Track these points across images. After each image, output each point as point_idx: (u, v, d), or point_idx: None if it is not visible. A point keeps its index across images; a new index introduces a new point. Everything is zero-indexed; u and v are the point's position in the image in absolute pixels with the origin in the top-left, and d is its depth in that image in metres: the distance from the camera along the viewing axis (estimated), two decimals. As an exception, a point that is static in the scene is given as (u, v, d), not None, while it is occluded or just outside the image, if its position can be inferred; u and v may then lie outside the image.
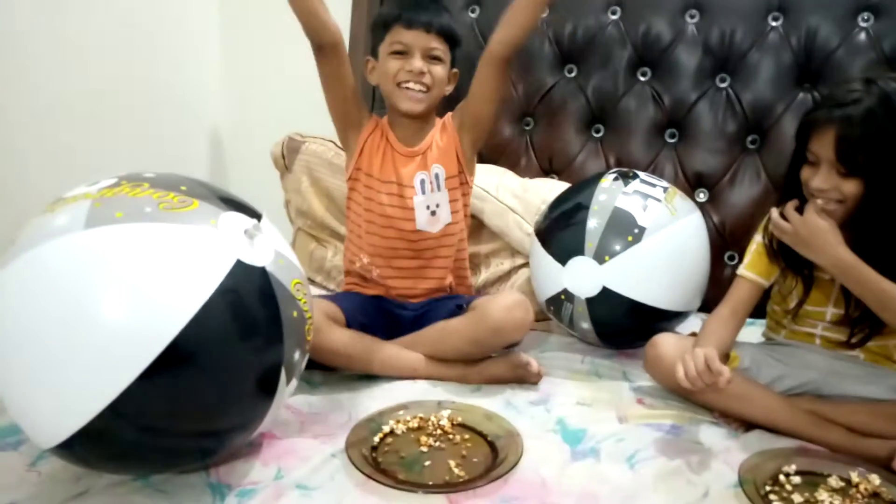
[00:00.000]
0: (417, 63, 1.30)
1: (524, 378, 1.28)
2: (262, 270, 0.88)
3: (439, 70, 1.33)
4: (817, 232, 1.07)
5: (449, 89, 1.38)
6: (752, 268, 1.21)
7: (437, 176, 1.37)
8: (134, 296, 0.80)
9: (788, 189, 1.14)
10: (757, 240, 1.22)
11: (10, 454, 0.98)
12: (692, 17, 1.68)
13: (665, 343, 1.20)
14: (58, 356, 0.80)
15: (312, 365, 1.13)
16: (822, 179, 1.07)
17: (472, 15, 1.79)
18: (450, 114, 1.40)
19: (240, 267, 0.86)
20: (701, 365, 1.02)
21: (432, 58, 1.32)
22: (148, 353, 0.79)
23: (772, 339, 1.28)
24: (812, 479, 1.00)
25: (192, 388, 0.83)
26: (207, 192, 0.92)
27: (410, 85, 1.31)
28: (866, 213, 1.07)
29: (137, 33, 1.74)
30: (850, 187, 1.06)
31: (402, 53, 1.31)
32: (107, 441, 0.84)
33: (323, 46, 1.27)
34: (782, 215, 1.10)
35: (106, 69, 1.65)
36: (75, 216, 0.84)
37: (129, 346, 0.79)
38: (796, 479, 0.99)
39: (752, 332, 1.33)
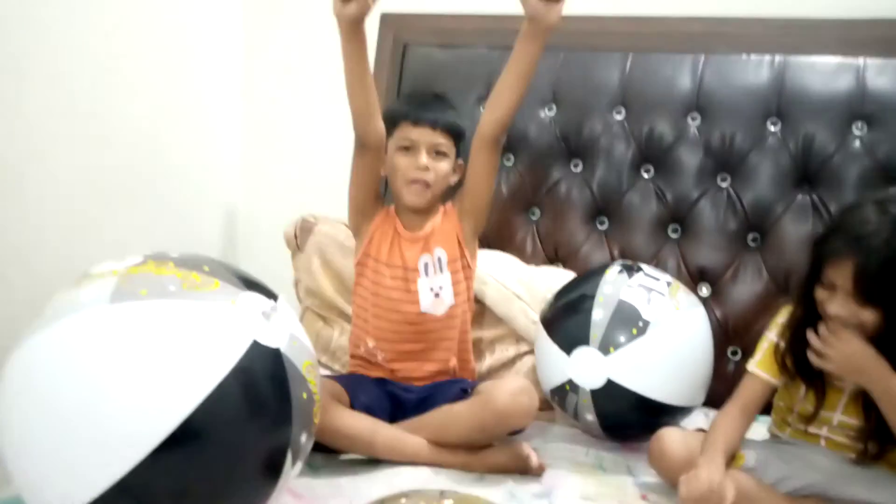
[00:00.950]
0: (423, 160, 1.38)
1: (526, 470, 1.27)
2: (277, 352, 0.90)
3: (443, 166, 1.40)
4: (869, 360, 1.06)
5: (454, 180, 1.45)
6: (763, 366, 1.20)
7: (439, 259, 1.42)
8: (152, 372, 0.82)
9: (804, 306, 1.14)
10: (769, 338, 1.21)
11: (8, 529, 0.97)
12: (693, 119, 1.75)
13: (670, 438, 1.20)
14: (71, 430, 0.81)
15: (314, 447, 1.13)
16: (839, 306, 1.07)
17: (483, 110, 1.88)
18: (451, 202, 1.47)
19: (256, 348, 0.88)
20: (703, 488, 1.03)
21: (437, 153, 1.39)
22: (161, 430, 0.80)
23: (777, 436, 1.27)
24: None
25: (201, 467, 0.84)
26: (228, 272, 0.95)
27: (416, 181, 1.39)
28: (885, 341, 1.07)
29: (155, 111, 1.81)
30: (868, 315, 1.06)
31: (409, 149, 1.38)
32: (110, 519, 0.83)
33: (367, 145, 1.36)
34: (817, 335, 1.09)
35: (123, 147, 1.70)
36: (101, 291, 0.87)
37: (143, 422, 0.80)
38: (804, 585, 0.97)
39: (758, 427, 1.32)
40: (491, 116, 1.37)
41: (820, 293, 1.10)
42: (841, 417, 1.16)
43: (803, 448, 1.20)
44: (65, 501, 0.82)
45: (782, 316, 1.22)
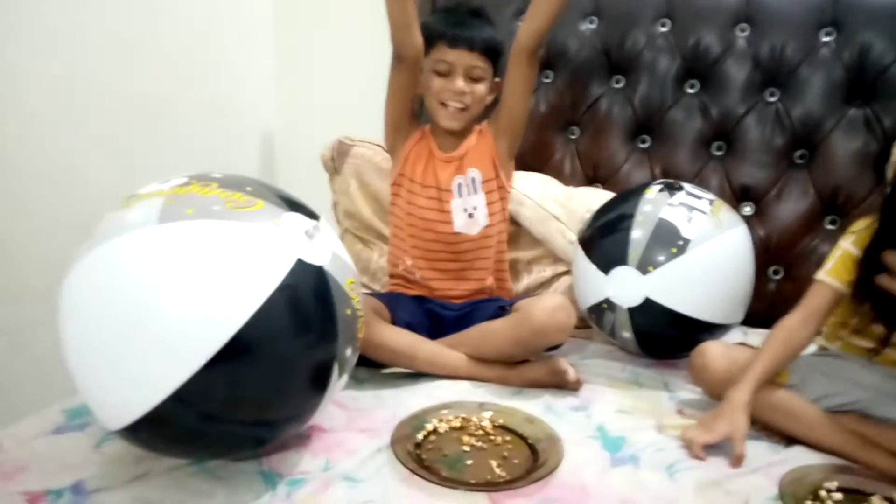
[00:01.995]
0: (459, 83, 1.36)
1: (563, 384, 1.30)
2: (321, 269, 0.92)
3: (480, 88, 1.38)
4: None
5: (490, 98, 1.42)
6: (835, 274, 1.14)
7: (473, 179, 1.41)
8: (202, 289, 0.84)
9: (887, 229, 1.09)
10: (843, 246, 1.15)
11: (77, 435, 1.04)
12: (742, 30, 1.68)
13: (712, 352, 1.20)
14: (129, 344, 0.84)
15: (358, 361, 1.17)
16: None
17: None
18: (486, 121, 1.45)
19: (300, 265, 0.90)
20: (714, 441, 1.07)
21: (474, 77, 1.36)
22: (212, 345, 0.83)
23: (826, 349, 1.25)
24: (854, 497, 0.99)
25: (251, 379, 0.87)
26: (270, 193, 0.97)
27: (451, 103, 1.36)
28: None
29: (193, 37, 1.81)
30: None
31: (445, 72, 1.35)
32: (169, 426, 0.88)
33: (404, 58, 1.33)
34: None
35: (164, 72, 1.72)
36: (150, 212, 0.88)
37: (195, 337, 0.83)
38: (837, 496, 0.99)
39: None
40: (528, 27, 1.33)
41: None
42: None
43: (851, 363, 1.18)
44: (127, 410, 0.87)
45: (858, 225, 1.15)
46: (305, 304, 0.91)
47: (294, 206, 0.97)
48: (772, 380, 1.15)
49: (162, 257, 0.86)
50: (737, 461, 1.05)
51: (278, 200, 0.95)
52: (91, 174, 1.52)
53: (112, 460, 0.98)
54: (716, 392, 1.18)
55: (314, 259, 0.92)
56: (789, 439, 1.15)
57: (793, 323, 1.15)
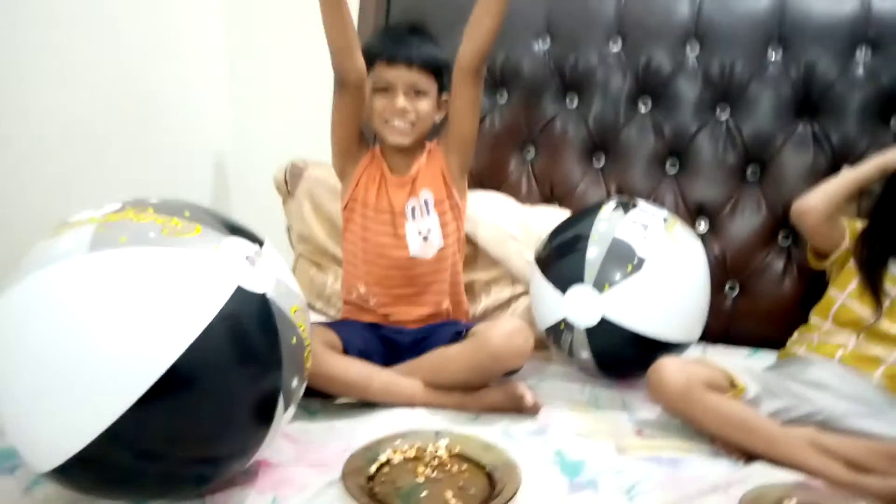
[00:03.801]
0: (400, 102, 1.33)
1: (521, 409, 1.27)
2: (263, 297, 0.89)
3: (424, 105, 1.35)
4: None
5: (439, 117, 1.40)
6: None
7: (425, 201, 1.39)
8: (134, 320, 0.80)
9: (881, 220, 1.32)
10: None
11: (5, 479, 0.97)
12: (692, 49, 1.70)
13: (669, 367, 1.18)
14: (57, 379, 0.80)
15: (310, 392, 1.13)
16: None
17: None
18: (436, 140, 1.43)
19: (240, 293, 0.86)
20: None
21: (416, 92, 1.34)
22: (146, 378, 0.79)
23: (790, 355, 1.27)
24: (813, 514, 0.98)
25: (190, 413, 0.83)
26: (210, 217, 0.93)
27: (395, 123, 1.34)
28: None
29: (142, 57, 1.76)
30: None
31: (386, 90, 1.33)
32: (103, 466, 0.84)
33: (347, 83, 1.30)
34: None
35: (111, 94, 1.66)
36: (79, 240, 0.84)
37: (128, 371, 0.79)
38: (797, 514, 0.98)
39: (756, 363, 1.32)
40: (469, 46, 1.31)
41: None
42: (888, 322, 1.22)
43: (814, 366, 1.20)
44: (56, 451, 0.82)
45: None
46: (247, 334, 0.87)
47: (235, 230, 0.93)
48: (729, 393, 1.16)
49: (92, 288, 0.82)
50: None
51: (218, 225, 0.92)
52: (30, 201, 1.45)
53: (42, 505, 0.92)
54: (674, 409, 1.17)
55: (256, 286, 0.88)
56: (749, 455, 1.14)
57: None
